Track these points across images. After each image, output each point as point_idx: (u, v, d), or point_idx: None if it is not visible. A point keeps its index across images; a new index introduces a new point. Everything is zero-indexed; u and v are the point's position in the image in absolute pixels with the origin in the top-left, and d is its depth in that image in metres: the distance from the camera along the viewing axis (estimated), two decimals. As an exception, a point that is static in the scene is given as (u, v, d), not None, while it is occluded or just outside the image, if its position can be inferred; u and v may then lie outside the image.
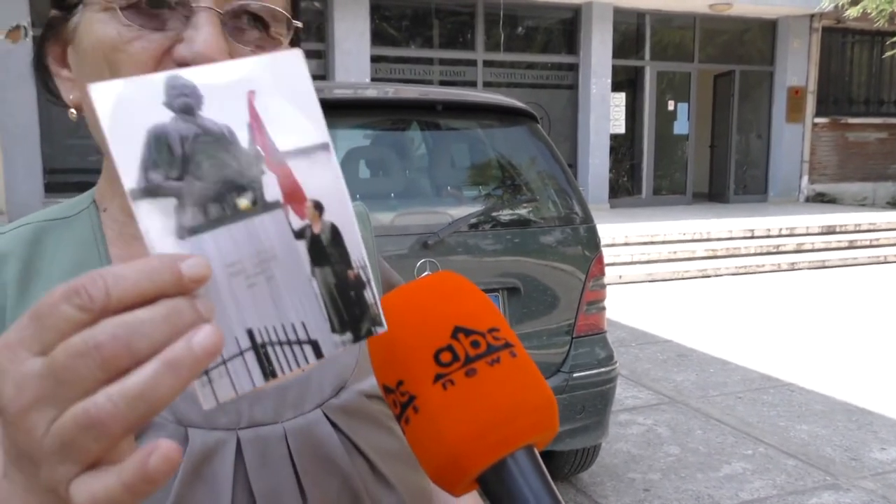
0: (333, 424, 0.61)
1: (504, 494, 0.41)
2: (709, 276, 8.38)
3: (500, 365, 0.42)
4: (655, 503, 3.17)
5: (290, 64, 0.39)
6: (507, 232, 2.92)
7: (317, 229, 0.39)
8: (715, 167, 13.38)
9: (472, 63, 11.38)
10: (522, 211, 3.09)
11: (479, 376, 0.42)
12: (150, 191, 0.34)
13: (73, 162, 9.12)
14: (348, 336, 0.39)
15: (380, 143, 3.40)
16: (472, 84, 11.32)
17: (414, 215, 2.91)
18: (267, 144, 0.39)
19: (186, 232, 0.35)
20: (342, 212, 0.40)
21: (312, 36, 10.54)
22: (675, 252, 8.58)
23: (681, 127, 12.67)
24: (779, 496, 3.23)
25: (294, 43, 0.62)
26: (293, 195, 0.39)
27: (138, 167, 0.34)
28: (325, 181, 0.39)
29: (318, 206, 0.39)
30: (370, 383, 0.65)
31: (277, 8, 0.58)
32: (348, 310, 0.39)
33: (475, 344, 0.43)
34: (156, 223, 0.35)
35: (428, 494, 0.68)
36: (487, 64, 11.44)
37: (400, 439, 0.65)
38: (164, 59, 0.53)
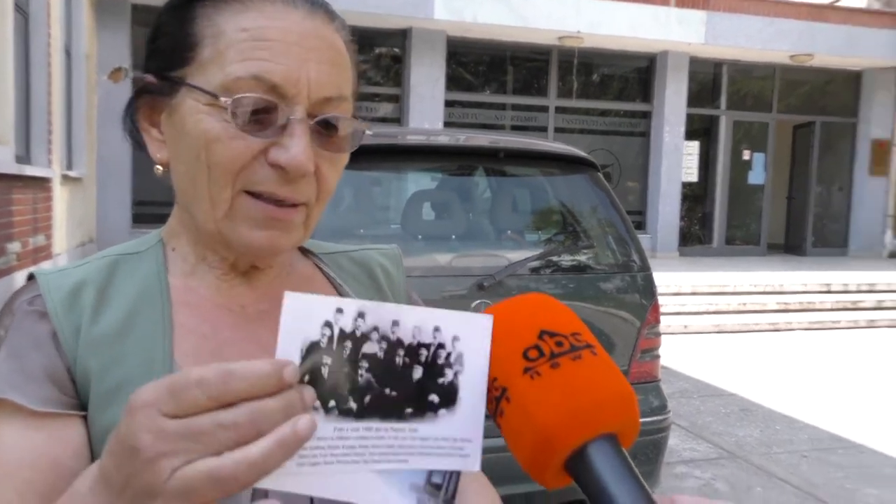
0: None
1: (591, 479, 0.46)
2: (780, 331, 8.12)
3: (581, 361, 0.48)
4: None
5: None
6: (564, 277, 2.99)
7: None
8: (792, 219, 13.02)
9: (545, 109, 11.53)
10: (580, 257, 3.15)
11: (562, 368, 0.47)
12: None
13: (158, 195, 9.63)
14: None
15: (445, 187, 3.53)
16: (544, 130, 11.45)
17: (473, 257, 3.01)
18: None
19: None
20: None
21: (390, 80, 10.92)
22: (744, 304, 8.38)
23: (756, 177, 12.43)
24: (840, 561, 3.12)
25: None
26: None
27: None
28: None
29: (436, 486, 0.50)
30: None
31: (352, 120, 0.67)
32: None
33: (559, 343, 0.49)
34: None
35: None
36: (560, 110, 11.57)
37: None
38: (259, 156, 0.63)
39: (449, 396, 0.49)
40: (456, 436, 0.49)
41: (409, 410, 0.48)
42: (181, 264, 0.72)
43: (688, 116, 11.60)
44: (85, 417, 0.63)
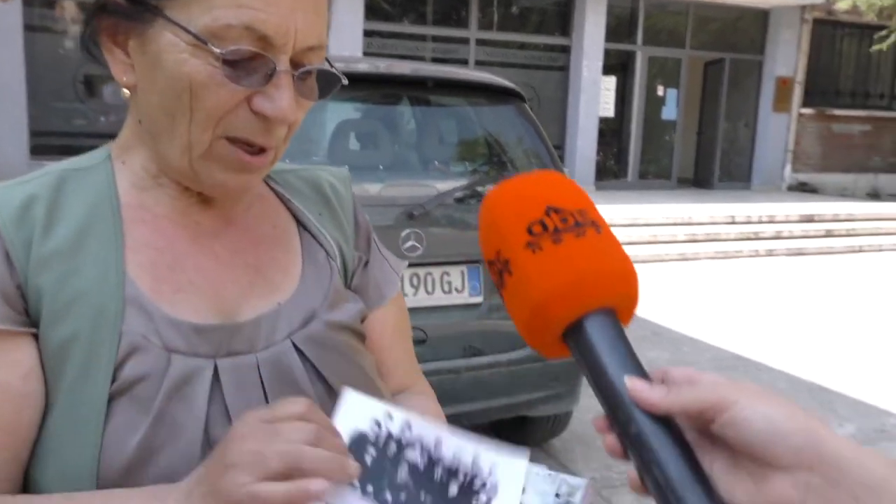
0: (300, 352, 0.70)
1: (585, 349, 0.47)
2: (688, 260, 8.55)
3: (585, 237, 0.49)
4: (621, 468, 3.34)
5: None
6: (491, 206, 3.03)
7: None
8: (701, 154, 13.52)
9: (465, 41, 11.40)
10: (506, 187, 3.20)
11: (564, 244, 0.48)
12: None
13: (58, 125, 9.06)
14: None
15: (370, 117, 3.49)
16: (465, 62, 11.35)
17: (401, 187, 3.02)
18: None
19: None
20: None
21: (306, 7, 10.49)
22: (655, 235, 8.74)
23: (669, 113, 12.79)
24: None
25: None
26: None
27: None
28: None
29: None
30: (339, 315, 0.74)
31: (334, 71, 0.68)
32: None
33: (564, 220, 0.49)
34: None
35: None
36: (480, 42, 11.46)
37: (360, 369, 0.75)
38: (242, 103, 0.63)
39: None
40: None
41: None
42: (132, 178, 0.71)
43: (605, 51, 11.72)
44: (35, 336, 0.63)
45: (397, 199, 2.86)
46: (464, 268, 2.90)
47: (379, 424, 0.54)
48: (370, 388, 0.73)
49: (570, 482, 0.60)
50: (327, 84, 0.69)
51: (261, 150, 0.66)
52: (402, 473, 0.54)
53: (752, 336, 5.48)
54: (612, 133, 12.65)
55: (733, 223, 9.41)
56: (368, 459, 0.54)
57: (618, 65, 12.42)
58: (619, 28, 12.23)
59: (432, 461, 0.55)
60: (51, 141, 8.90)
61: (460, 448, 0.55)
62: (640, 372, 0.48)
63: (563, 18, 11.92)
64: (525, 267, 0.49)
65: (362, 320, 0.80)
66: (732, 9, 12.74)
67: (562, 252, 0.48)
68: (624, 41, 12.36)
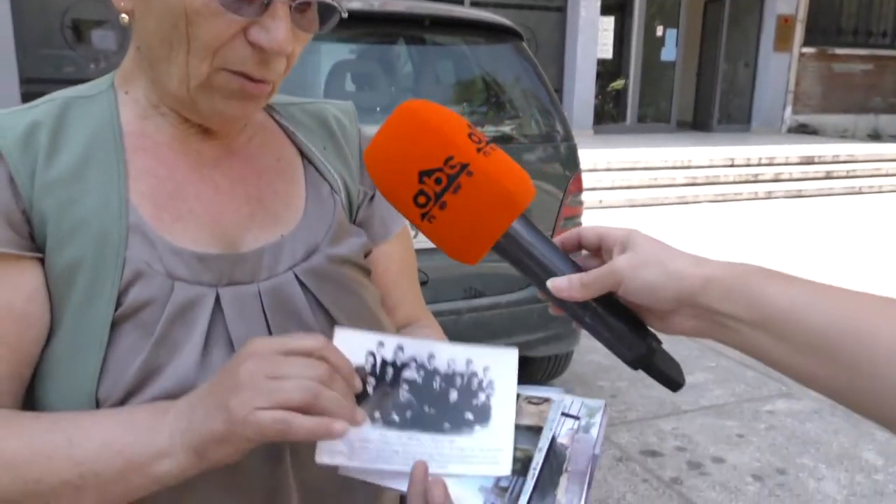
0: (302, 284, 0.71)
1: (519, 245, 0.58)
2: (687, 203, 8.54)
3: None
4: (621, 407, 3.39)
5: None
6: (490, 147, 3.00)
7: None
8: (700, 96, 13.36)
9: (461, -19, 11.13)
10: (505, 128, 3.17)
11: (497, 151, 0.58)
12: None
13: (48, 72, 8.92)
14: None
15: (365, 57, 3.42)
16: (460, 1, 11.10)
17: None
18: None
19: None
20: None
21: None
22: (655, 179, 8.70)
23: (668, 54, 12.58)
24: (736, 402, 3.46)
25: None
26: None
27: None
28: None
29: None
30: (341, 249, 0.75)
31: (333, 3, 0.66)
32: None
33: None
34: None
35: None
36: (476, -18, 11.19)
37: (363, 301, 0.75)
38: (239, 34, 0.62)
39: (483, 415, 0.58)
40: (490, 447, 0.57)
41: (447, 425, 0.57)
42: (134, 107, 0.71)
43: (604, -9, 11.47)
44: (41, 260, 0.64)
45: (395, 141, 2.82)
46: (463, 210, 2.88)
47: (373, 355, 0.57)
48: (372, 320, 0.74)
49: (588, 404, 0.63)
50: (326, 16, 0.68)
51: (262, 81, 0.66)
52: (404, 393, 0.57)
53: (750, 277, 5.50)
54: (610, 75, 12.46)
55: (733, 166, 9.35)
56: (370, 389, 0.57)
57: (616, 5, 12.15)
58: (618, -34, 11.93)
59: (429, 374, 0.58)
60: (41, 88, 8.72)
61: (453, 356, 0.60)
62: (559, 257, 0.59)
63: (560, -44, 11.61)
64: (486, 168, 0.55)
65: (367, 255, 0.80)
66: (734, -55, 12.42)
67: (501, 157, 0.57)
68: (623, -20, 12.07)
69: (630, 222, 7.38)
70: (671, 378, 0.59)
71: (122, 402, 0.61)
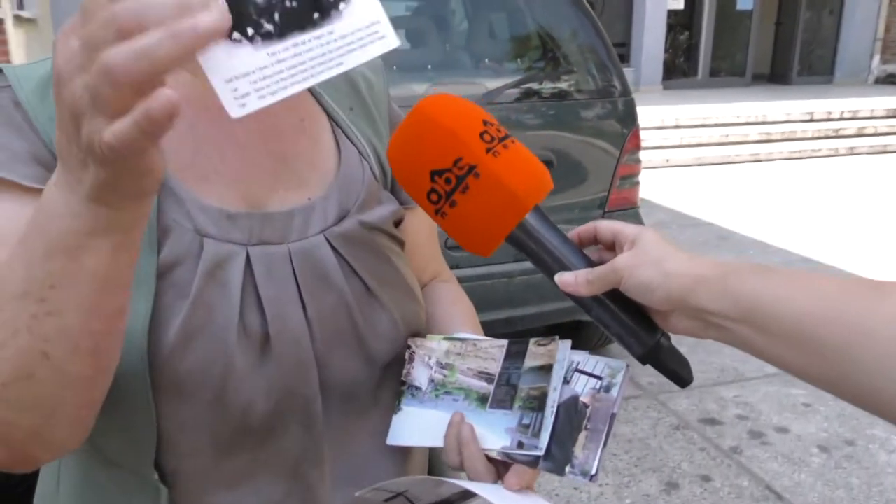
0: (334, 249, 0.68)
1: (532, 238, 0.60)
2: (761, 161, 8.16)
3: (515, 144, 0.60)
4: (680, 373, 3.29)
5: None
6: (544, 104, 2.90)
7: None
8: (779, 46, 12.68)
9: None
10: (561, 84, 3.05)
11: (509, 150, 0.59)
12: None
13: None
14: None
15: (419, 14, 3.35)
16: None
17: (451, 86, 2.90)
18: None
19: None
20: None
21: None
22: (727, 136, 8.34)
23: (744, 3, 11.94)
24: (803, 371, 3.31)
25: None
26: None
27: None
28: None
29: None
30: (372, 216, 0.72)
31: None
32: None
33: (498, 130, 0.60)
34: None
35: (420, 319, 0.76)
36: (540, -67, 10.82)
37: (396, 269, 0.73)
38: None
39: None
40: (366, 23, 0.51)
41: (316, 16, 0.49)
42: None
43: (676, -63, 10.92)
44: None
45: (446, 99, 2.76)
46: (516, 170, 2.81)
47: None
48: (405, 289, 0.73)
49: (611, 365, 0.65)
50: None
51: None
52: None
53: (825, 239, 5.23)
54: (681, 27, 11.94)
55: (811, 120, 8.87)
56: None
57: (690, -49, 11.59)
58: (691, -90, 11.32)
59: None
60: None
61: None
62: (571, 251, 0.61)
63: None
64: (493, 169, 0.57)
65: (398, 223, 0.78)
66: None
67: (512, 155, 0.59)
68: (697, -75, 11.47)
69: (699, 181, 7.11)
70: (678, 374, 0.61)
71: (166, 365, 0.60)
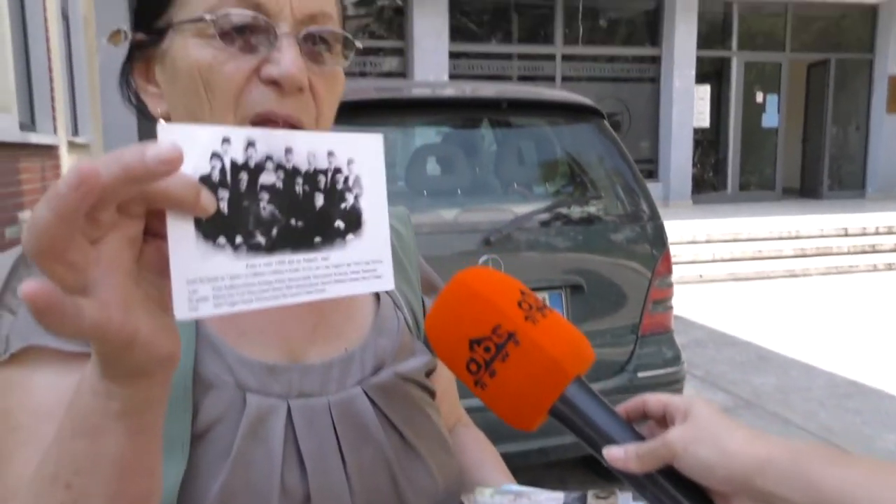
0: (371, 400, 0.68)
1: (576, 413, 0.58)
2: (796, 276, 8.03)
3: (553, 313, 0.60)
4: None
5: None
6: (572, 229, 2.91)
7: None
8: (807, 161, 12.79)
9: (551, 58, 11.28)
10: (588, 208, 3.07)
11: (548, 318, 0.59)
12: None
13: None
14: None
15: (450, 141, 3.45)
16: (551, 79, 11.22)
17: (479, 212, 2.94)
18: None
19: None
20: None
21: (393, 34, 10.71)
22: (760, 251, 8.27)
23: (770, 120, 12.17)
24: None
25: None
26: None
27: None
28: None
29: None
30: (406, 367, 0.73)
31: (339, 31, 0.66)
32: None
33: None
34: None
35: (455, 472, 0.74)
36: (567, 58, 11.31)
37: (431, 421, 0.73)
38: (253, 78, 0.62)
39: (354, 221, 0.50)
40: (367, 259, 0.50)
41: (317, 240, 0.47)
42: None
43: (698, 59, 11.31)
44: None
45: (475, 224, 2.79)
46: (545, 294, 2.78)
47: (219, 157, 0.43)
48: (440, 440, 0.73)
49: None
50: (343, 49, 0.68)
51: (292, 127, 0.64)
52: (264, 204, 0.45)
53: (870, 360, 5.04)
54: (708, 144, 12.16)
55: (846, 235, 8.78)
56: (224, 205, 0.43)
57: (712, 72, 11.95)
58: (711, 34, 11.78)
59: (289, 176, 0.46)
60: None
61: (312, 147, 0.47)
62: (619, 425, 0.58)
63: (651, 28, 11.60)
64: (532, 336, 0.57)
65: (430, 373, 0.78)
66: (835, 6, 12.03)
67: (551, 323, 0.58)
68: (717, 48, 11.89)
69: (734, 297, 6.99)
70: None
71: None
